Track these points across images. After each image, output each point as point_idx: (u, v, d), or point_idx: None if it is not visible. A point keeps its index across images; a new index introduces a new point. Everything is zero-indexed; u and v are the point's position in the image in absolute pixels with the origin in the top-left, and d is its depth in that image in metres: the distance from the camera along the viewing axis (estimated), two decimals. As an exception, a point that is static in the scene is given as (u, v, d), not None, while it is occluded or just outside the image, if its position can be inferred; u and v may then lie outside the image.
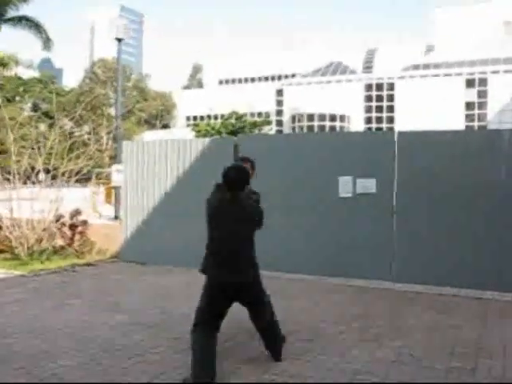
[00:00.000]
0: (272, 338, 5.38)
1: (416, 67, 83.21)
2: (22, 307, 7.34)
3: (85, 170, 12.51)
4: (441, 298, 8.26)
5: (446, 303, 7.93)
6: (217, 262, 4.99)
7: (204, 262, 5.09)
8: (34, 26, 46.35)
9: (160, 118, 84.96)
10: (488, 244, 8.63)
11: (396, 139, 9.50)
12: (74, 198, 12.36)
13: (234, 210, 5.04)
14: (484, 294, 8.35)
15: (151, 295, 8.16)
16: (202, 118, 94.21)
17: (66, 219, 11.57)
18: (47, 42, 47.66)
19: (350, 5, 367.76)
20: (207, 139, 11.50)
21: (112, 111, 76.63)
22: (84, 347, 5.69)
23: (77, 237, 11.71)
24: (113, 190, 13.66)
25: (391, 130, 72.19)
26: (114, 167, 13.30)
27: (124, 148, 11.53)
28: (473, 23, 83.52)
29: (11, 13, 45.07)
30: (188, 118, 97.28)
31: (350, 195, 9.70)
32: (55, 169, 12.06)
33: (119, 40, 13.31)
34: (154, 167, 11.10)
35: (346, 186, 9.75)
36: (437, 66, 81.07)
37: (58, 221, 11.47)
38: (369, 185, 9.64)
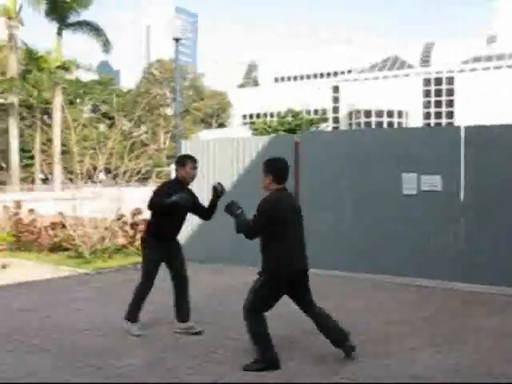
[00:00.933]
0: (333, 326, 5.29)
1: (477, 59, 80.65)
2: (88, 305, 7.45)
3: (144, 170, 12.65)
4: (512, 299, 7.91)
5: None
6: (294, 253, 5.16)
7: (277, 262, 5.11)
8: (94, 29, 47.52)
9: (216, 116, 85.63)
10: None
11: (463, 134, 9.17)
12: (133, 197, 12.49)
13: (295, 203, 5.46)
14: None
15: (212, 294, 8.12)
16: (258, 116, 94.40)
17: (128, 218, 11.71)
18: (106, 45, 48.79)
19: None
20: (266, 137, 11.43)
21: (169, 111, 77.80)
22: (148, 345, 5.69)
23: (138, 235, 11.82)
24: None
25: (451, 125, 70.99)
26: (174, 166, 13.35)
27: (183, 147, 11.57)
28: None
29: (72, 18, 46.36)
30: (244, 117, 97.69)
31: (414, 192, 9.44)
32: (116, 168, 12.24)
33: (177, 40, 13.38)
34: (214, 165, 11.09)
35: (410, 182, 9.48)
36: (500, 57, 78.28)
37: (119, 219, 11.62)
38: (434, 182, 9.34)
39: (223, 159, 10.95)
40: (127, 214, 11.91)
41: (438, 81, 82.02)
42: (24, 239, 12.82)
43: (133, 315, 6.14)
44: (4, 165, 51.96)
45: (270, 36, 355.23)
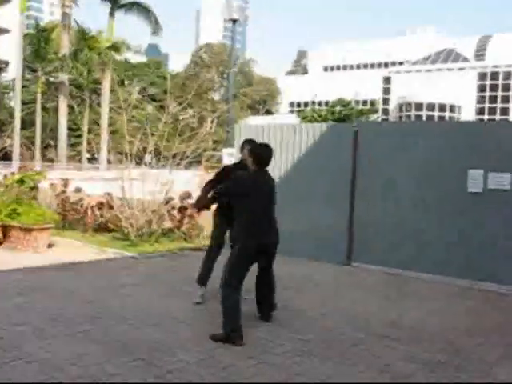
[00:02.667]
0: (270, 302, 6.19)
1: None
2: (135, 292, 7.14)
3: (193, 154, 12.32)
4: None
5: None
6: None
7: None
8: (146, 11, 47.63)
9: (263, 103, 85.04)
10: None
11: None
12: (180, 179, 12.14)
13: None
14: None
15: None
16: (305, 104, 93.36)
17: (176, 202, 11.41)
18: (156, 27, 48.88)
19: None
20: (325, 124, 10.94)
21: (216, 96, 77.60)
22: (202, 341, 5.32)
23: (185, 220, 11.54)
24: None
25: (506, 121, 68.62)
26: (225, 151, 13.03)
27: (237, 132, 11.19)
28: None
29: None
30: (292, 105, 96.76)
31: (480, 191, 8.84)
32: (166, 151, 11.95)
33: (234, 21, 12.98)
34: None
35: (476, 180, 8.89)
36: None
37: (167, 203, 11.33)
38: (503, 180, 8.73)
39: (279, 145, 10.49)
40: (176, 198, 11.59)
41: (495, 75, 79.30)
42: (69, 218, 12.67)
43: (199, 278, 6.95)
44: (52, 143, 52.72)
45: (322, 25, 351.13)
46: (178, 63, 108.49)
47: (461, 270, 8.71)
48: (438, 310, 7.04)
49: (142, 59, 77.76)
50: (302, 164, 10.20)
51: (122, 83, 61.45)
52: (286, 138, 10.46)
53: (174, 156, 11.79)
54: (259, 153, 5.90)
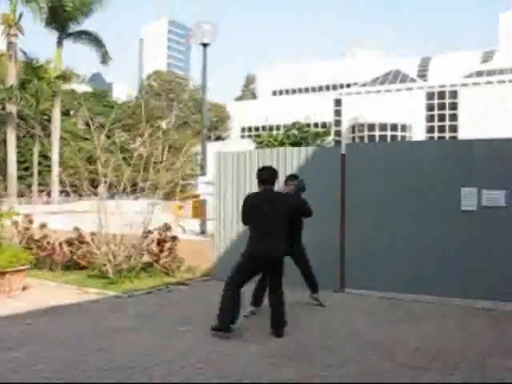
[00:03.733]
0: (282, 314, 6.56)
1: (479, 74, 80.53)
2: (137, 337, 6.50)
3: (168, 184, 11.81)
4: None
5: None
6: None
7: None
8: (94, 40, 46.87)
9: (214, 129, 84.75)
10: None
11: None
12: (132, 209, 11.51)
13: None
14: None
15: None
16: (257, 128, 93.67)
17: (155, 235, 10.86)
18: (106, 56, 48.11)
19: (401, 13, 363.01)
20: (311, 148, 10.64)
21: (164, 124, 76.87)
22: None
23: (164, 253, 10.99)
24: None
25: (455, 138, 70.51)
26: (202, 179, 12.59)
27: (217, 159, 10.78)
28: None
29: (73, 27, 45.71)
30: (243, 129, 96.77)
31: (474, 208, 8.70)
32: (117, 181, 11.36)
33: (205, 45, 12.65)
34: (251, 179, 10.30)
35: (469, 198, 8.76)
36: (502, 71, 78.11)
37: (146, 237, 10.76)
38: (497, 197, 8.62)
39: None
40: (152, 230, 11.02)
41: (441, 94, 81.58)
42: (36, 256, 11.89)
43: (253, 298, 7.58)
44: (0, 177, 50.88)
45: (267, 50, 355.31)
46: (121, 92, 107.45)
47: (457, 290, 8.55)
48: (451, 331, 6.76)
49: (87, 88, 76.60)
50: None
51: (65, 114, 60.23)
52: (271, 164, 10.10)
53: (126, 186, 11.19)
54: (258, 173, 6.82)
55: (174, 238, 10.98)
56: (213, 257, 10.85)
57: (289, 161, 10.01)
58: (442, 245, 8.79)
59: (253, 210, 6.60)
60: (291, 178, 8.16)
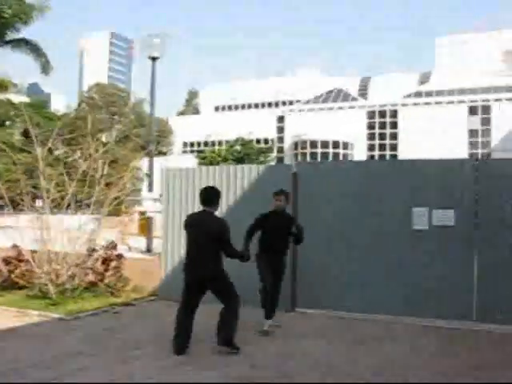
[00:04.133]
0: (227, 325, 6.54)
1: (418, 94, 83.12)
2: (93, 362, 6.14)
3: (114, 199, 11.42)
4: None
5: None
6: None
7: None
8: (34, 49, 45.50)
9: (156, 144, 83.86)
10: None
11: (476, 167, 8.65)
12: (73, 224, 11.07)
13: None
14: None
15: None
16: (199, 144, 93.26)
17: (101, 253, 10.45)
18: (46, 66, 46.75)
19: (339, 31, 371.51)
20: (262, 166, 10.53)
21: (104, 138, 75.37)
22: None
23: (110, 272, 10.59)
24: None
25: (395, 157, 72.50)
26: (148, 196, 12.26)
27: (164, 176, 10.51)
28: (472, 52, 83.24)
29: (11, 35, 44.26)
30: (185, 145, 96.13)
31: (425, 228, 8.78)
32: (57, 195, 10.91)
33: (154, 59, 12.39)
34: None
35: (420, 217, 8.84)
36: (439, 93, 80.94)
37: (90, 255, 10.34)
38: (446, 216, 8.73)
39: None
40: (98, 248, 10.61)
41: (382, 113, 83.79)
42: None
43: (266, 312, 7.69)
44: None
45: (210, 66, 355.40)
46: (60, 103, 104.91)
47: (406, 308, 8.64)
48: (407, 351, 6.72)
49: (24, 99, 74.36)
50: (238, 209, 9.67)
51: (2, 124, 58.26)
52: (221, 180, 9.94)
53: (70, 202, 10.78)
54: (199, 193, 6.96)
55: (120, 257, 10.62)
56: (160, 276, 10.55)
57: (239, 178, 9.86)
58: (392, 263, 8.82)
59: (186, 230, 6.85)
60: (279, 193, 8.02)
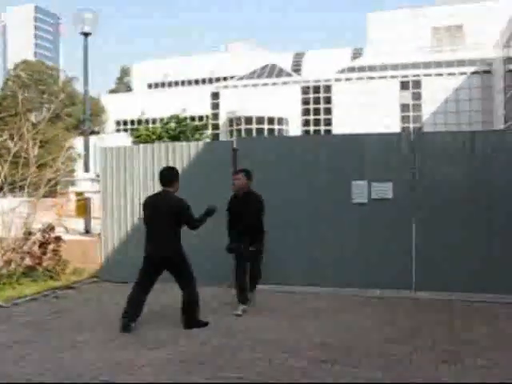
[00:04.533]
0: (192, 307, 6.73)
1: (351, 69, 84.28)
2: (32, 349, 5.92)
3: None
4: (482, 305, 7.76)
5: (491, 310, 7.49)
6: None
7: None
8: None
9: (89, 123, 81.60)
10: None
11: (413, 139, 8.89)
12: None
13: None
14: None
15: (172, 321, 6.99)
16: (132, 122, 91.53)
17: (38, 236, 10.14)
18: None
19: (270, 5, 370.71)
20: (201, 143, 10.45)
21: (33, 117, 72.89)
22: None
23: (48, 255, 10.30)
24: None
25: (329, 132, 73.63)
26: (84, 176, 11.94)
27: (103, 155, 10.26)
28: (402, 28, 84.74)
29: None
30: (118, 123, 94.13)
31: (364, 201, 8.97)
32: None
33: (86, 35, 11.99)
34: (140, 175, 9.94)
35: (360, 191, 9.01)
36: (371, 68, 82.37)
37: (27, 239, 10.03)
38: (385, 189, 8.94)
39: (152, 167, 9.81)
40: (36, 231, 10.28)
41: (316, 89, 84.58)
42: None
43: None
44: None
45: (142, 42, 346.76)
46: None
47: (348, 279, 8.89)
48: (348, 321, 6.89)
49: None
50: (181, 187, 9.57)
51: None
52: (160, 159, 9.80)
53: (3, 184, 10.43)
54: (158, 174, 6.99)
55: (58, 239, 10.33)
56: (100, 257, 10.38)
57: (178, 156, 9.75)
58: (334, 236, 8.98)
59: (144, 211, 6.95)
60: (237, 172, 7.95)
